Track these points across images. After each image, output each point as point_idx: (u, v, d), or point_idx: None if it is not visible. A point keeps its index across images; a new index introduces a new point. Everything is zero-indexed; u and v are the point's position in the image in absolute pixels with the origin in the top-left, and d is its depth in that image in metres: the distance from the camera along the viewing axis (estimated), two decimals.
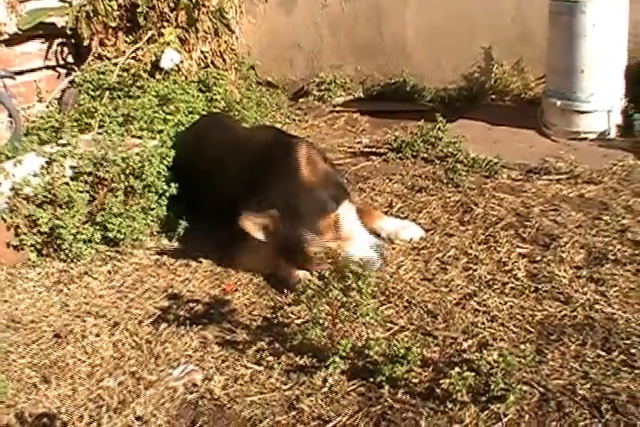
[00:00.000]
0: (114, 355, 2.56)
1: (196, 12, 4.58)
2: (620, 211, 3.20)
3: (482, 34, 4.91)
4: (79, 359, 2.55)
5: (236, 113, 4.42)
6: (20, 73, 4.66)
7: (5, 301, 2.99)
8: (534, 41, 4.63)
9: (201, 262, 3.18)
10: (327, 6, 5.38)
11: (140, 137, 3.74)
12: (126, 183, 3.35)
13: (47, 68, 4.83)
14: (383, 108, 5.08)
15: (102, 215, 3.29)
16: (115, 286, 3.08)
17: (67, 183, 3.28)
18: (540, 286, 2.68)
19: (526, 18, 4.74)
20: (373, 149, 4.41)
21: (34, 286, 3.11)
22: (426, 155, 4.14)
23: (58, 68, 4.86)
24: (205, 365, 2.45)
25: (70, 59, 4.88)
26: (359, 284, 2.30)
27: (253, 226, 2.84)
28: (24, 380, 2.47)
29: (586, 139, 4.18)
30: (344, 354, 2.31)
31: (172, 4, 4.53)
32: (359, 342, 2.42)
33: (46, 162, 3.34)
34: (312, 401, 2.23)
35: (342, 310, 2.35)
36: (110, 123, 3.82)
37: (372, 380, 2.26)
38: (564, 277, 2.71)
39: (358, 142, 4.57)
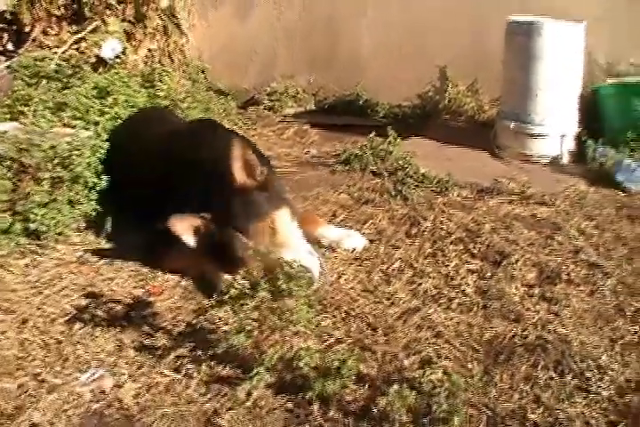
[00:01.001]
0: (18, 354, 2.25)
1: (145, 7, 4.33)
2: (572, 232, 3.03)
3: (438, 52, 4.77)
4: None
5: (180, 113, 4.15)
6: None
7: None
8: (490, 63, 4.47)
9: (127, 262, 2.88)
10: (283, 14, 5.18)
11: (72, 127, 3.43)
12: (53, 173, 3.04)
13: None
14: (334, 122, 4.88)
15: (23, 205, 2.97)
16: (30, 280, 2.74)
17: None
18: (489, 303, 2.48)
19: (483, 39, 4.61)
20: (321, 160, 4.20)
21: None
22: (375, 168, 3.92)
23: None
24: (118, 370, 2.16)
25: (10, 46, 4.55)
26: (290, 286, 2.05)
27: (182, 229, 2.57)
28: None
29: (538, 162, 4.04)
30: (271, 365, 2.05)
31: None
32: (289, 352, 2.15)
33: None
34: (232, 416, 1.98)
35: (271, 315, 2.09)
36: (43, 110, 3.51)
37: (301, 395, 2.01)
38: (514, 295, 2.52)
39: (306, 153, 4.35)
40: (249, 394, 2.03)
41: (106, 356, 2.23)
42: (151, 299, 2.58)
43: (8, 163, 3.00)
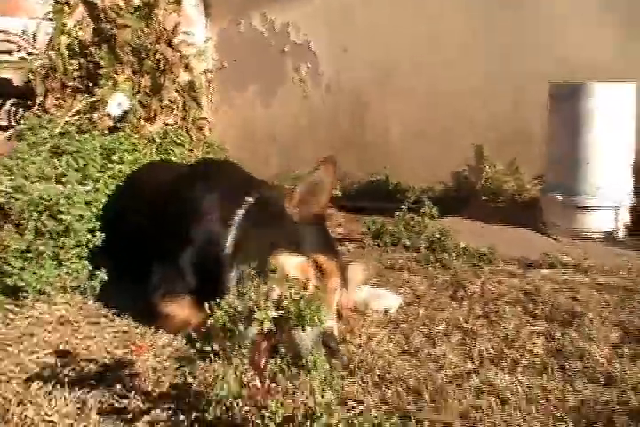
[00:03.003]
0: None
1: (162, 78, 4.00)
2: None
3: (472, 130, 4.34)
4: None
5: None
6: None
7: None
8: (530, 138, 4.04)
9: (113, 321, 2.32)
10: (307, 98, 4.84)
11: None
12: (37, 221, 2.55)
13: None
14: (363, 205, 4.39)
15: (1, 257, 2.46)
16: None
17: None
18: (567, 364, 1.85)
19: (522, 112, 4.17)
20: (348, 237, 3.67)
21: None
22: (408, 242, 3.38)
23: (10, 129, 4.18)
24: None
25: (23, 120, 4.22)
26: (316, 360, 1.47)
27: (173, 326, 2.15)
28: None
29: (590, 238, 3.47)
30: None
31: (136, 67, 3.95)
32: (298, 411, 1.52)
33: None
34: None
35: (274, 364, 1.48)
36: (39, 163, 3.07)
37: None
38: (599, 355, 1.89)
39: (332, 232, 3.82)
40: None
41: (59, 417, 1.63)
42: (133, 358, 1.99)
43: None
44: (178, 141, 3.89)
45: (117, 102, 3.71)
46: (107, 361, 1.98)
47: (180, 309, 2.19)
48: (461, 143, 4.33)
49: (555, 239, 3.50)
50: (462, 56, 4.30)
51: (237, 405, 1.49)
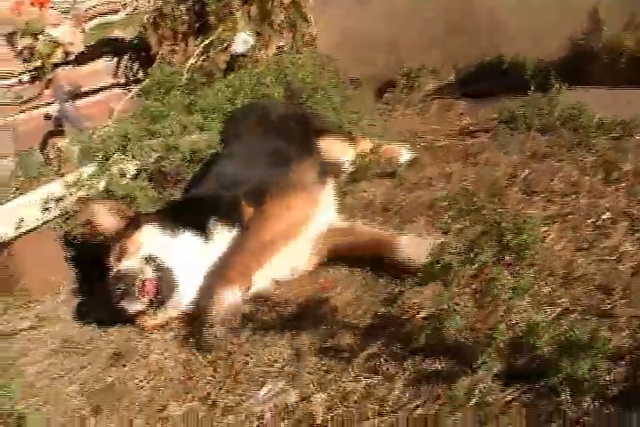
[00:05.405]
0: (182, 375, 1.81)
1: (269, 3, 3.93)
2: None
3: None
4: (139, 382, 1.81)
5: (316, 104, 3.68)
6: (91, 93, 4.09)
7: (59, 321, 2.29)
8: None
9: None
10: None
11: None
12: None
13: (117, 85, 4.25)
14: (479, 89, 4.23)
15: None
16: None
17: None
18: None
19: None
20: (477, 127, 3.57)
21: None
22: (541, 124, 3.26)
23: (127, 85, 4.27)
24: (300, 381, 1.67)
25: (140, 74, 4.28)
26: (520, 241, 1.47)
27: None
28: (70, 412, 1.75)
29: None
30: (496, 351, 1.48)
31: None
32: (510, 331, 1.56)
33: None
34: (457, 421, 1.43)
35: (493, 285, 1.51)
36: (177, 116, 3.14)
37: (542, 382, 1.42)
38: None
39: (459, 124, 3.73)
40: (469, 391, 1.48)
41: (282, 366, 1.75)
42: (324, 295, 2.08)
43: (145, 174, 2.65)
44: (294, 62, 3.84)
45: (242, 40, 3.69)
46: (300, 301, 2.08)
47: None
48: (574, 10, 4.03)
49: None
50: None
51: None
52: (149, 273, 2.05)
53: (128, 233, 2.20)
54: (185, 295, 2.11)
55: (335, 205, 2.57)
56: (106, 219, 2.28)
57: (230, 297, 1.96)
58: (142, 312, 2.09)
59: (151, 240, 2.19)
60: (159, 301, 2.07)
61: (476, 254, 1.48)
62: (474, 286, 1.56)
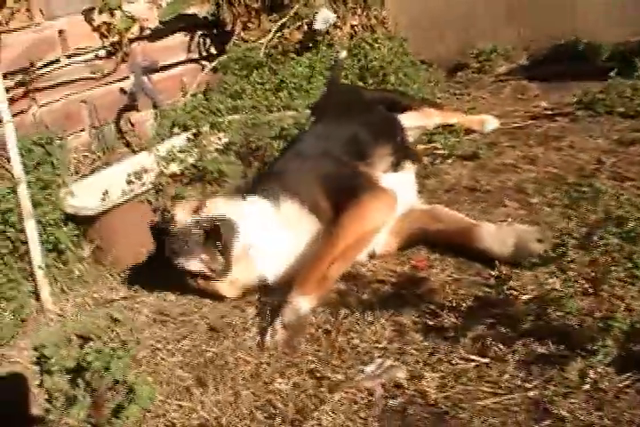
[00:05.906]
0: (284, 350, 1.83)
1: None
2: None
3: None
4: (240, 357, 1.84)
5: (392, 85, 3.66)
6: (165, 68, 4.11)
7: (152, 292, 2.32)
8: None
9: None
10: None
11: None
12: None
13: (190, 61, 4.26)
14: (555, 71, 4.13)
15: None
16: None
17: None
18: None
19: None
20: (555, 111, 3.51)
21: None
22: (623, 109, 3.19)
23: (201, 61, 4.28)
24: (408, 359, 1.67)
25: (213, 50, 4.29)
26: None
27: None
28: (174, 383, 1.78)
29: None
30: (618, 335, 1.46)
31: None
32: (630, 316, 1.54)
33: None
34: (572, 404, 1.41)
35: (618, 268, 1.49)
36: (263, 93, 3.16)
37: None
38: None
39: (536, 106, 3.67)
40: (583, 376, 1.47)
41: (387, 343, 1.76)
42: (420, 275, 2.07)
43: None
44: (370, 42, 3.82)
45: (323, 18, 3.67)
46: (395, 280, 2.08)
47: None
48: None
49: None
50: None
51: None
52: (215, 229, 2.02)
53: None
54: (255, 263, 2.10)
55: (415, 188, 2.55)
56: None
57: (304, 308, 1.93)
58: (206, 276, 2.08)
59: (222, 205, 2.19)
60: (223, 260, 2.04)
61: (596, 239, 1.45)
62: (589, 271, 1.53)
